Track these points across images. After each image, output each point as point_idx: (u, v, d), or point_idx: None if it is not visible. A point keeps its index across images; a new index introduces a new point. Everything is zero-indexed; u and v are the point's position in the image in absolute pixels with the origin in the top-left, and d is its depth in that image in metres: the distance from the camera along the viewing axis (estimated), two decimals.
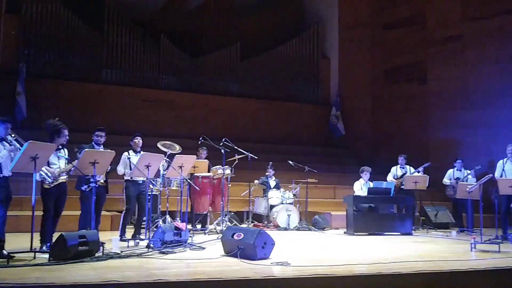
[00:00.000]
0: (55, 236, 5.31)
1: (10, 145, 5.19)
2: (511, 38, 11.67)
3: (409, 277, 4.71)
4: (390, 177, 10.04)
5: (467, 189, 7.48)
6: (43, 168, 5.49)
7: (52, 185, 5.65)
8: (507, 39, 11.74)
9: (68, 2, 12.67)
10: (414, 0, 13.87)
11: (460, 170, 9.79)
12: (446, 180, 9.93)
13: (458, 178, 9.68)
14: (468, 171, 9.65)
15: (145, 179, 6.73)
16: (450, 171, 9.95)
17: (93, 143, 6.50)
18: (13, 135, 5.27)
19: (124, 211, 7.02)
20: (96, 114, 12.02)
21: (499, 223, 8.05)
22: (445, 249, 6.86)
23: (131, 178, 6.90)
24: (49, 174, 5.61)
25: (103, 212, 7.03)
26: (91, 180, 5.66)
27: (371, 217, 8.86)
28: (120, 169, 6.92)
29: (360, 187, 9.37)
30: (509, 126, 11.42)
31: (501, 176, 8.11)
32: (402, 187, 9.70)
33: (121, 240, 6.56)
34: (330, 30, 15.65)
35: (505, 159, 8.25)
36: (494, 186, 7.95)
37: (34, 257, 5.02)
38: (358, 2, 15.25)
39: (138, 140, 7.14)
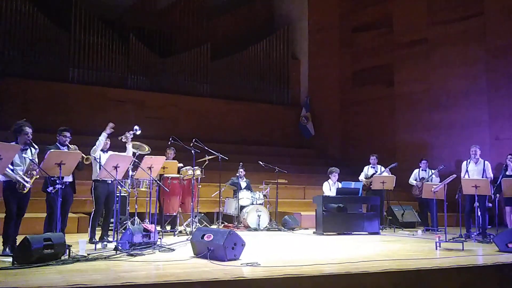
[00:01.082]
0: (19, 239, 5.16)
1: None
2: (475, 42, 12.06)
3: (377, 275, 4.79)
4: (361, 177, 10.19)
5: (432, 189, 7.66)
6: (8, 171, 5.34)
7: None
8: (471, 43, 12.12)
9: None
10: (382, 4, 14.14)
11: (425, 170, 10.03)
12: (412, 180, 10.16)
13: (423, 178, 9.91)
14: (432, 171, 9.90)
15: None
16: (416, 171, 10.18)
17: (57, 143, 6.34)
18: None
19: (92, 213, 6.88)
20: (63, 114, 11.75)
21: (463, 222, 8.29)
22: (411, 247, 7.00)
23: (100, 178, 6.77)
24: (22, 178, 5.46)
25: (70, 214, 6.88)
26: (57, 181, 5.52)
27: (340, 217, 8.97)
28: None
29: (329, 188, 9.47)
30: (473, 127, 11.80)
31: (465, 176, 8.34)
32: (371, 187, 9.86)
33: (91, 242, 6.43)
34: (300, 32, 15.80)
35: (468, 160, 8.49)
36: (459, 186, 8.17)
37: None
38: (328, 5, 15.46)
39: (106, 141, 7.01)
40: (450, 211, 8.90)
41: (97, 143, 6.78)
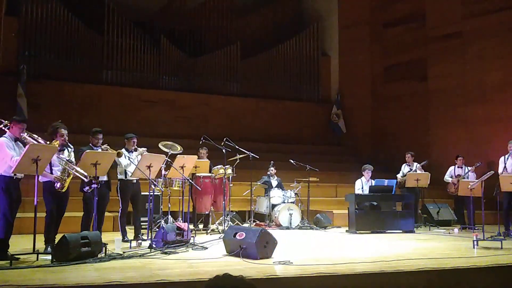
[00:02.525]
0: (58, 237, 5.32)
1: (25, 145, 5.24)
2: (511, 34, 11.66)
3: (412, 274, 4.71)
4: (399, 176, 10.04)
5: (469, 186, 7.47)
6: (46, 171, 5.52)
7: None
8: (507, 35, 11.73)
9: (68, 3, 12.67)
10: None
11: (461, 167, 9.78)
12: (447, 178, 9.92)
13: (459, 175, 9.67)
14: (468, 168, 9.65)
15: (138, 178, 6.75)
16: (451, 168, 9.94)
17: (90, 144, 6.49)
18: (27, 134, 5.32)
19: (120, 212, 7.00)
20: (96, 115, 12.04)
21: (501, 219, 8.05)
22: (447, 246, 6.85)
23: (126, 178, 6.89)
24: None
25: (106, 213, 7.03)
26: (93, 181, 5.66)
27: (373, 215, 8.85)
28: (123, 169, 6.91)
29: (361, 185, 9.36)
30: (510, 121, 11.42)
31: (503, 172, 8.10)
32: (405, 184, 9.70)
33: (124, 241, 6.56)
34: (330, 28, 15.64)
35: (506, 156, 8.24)
36: (496, 183, 7.94)
37: (37, 259, 5.03)
38: (358, 0, 15.25)
39: (134, 141, 7.11)
40: (488, 209, 8.65)
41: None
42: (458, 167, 9.83)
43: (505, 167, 8.17)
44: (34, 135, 5.40)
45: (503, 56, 11.79)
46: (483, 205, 7.48)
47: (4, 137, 5.35)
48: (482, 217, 7.52)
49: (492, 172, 7.46)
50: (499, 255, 5.84)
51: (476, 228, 8.81)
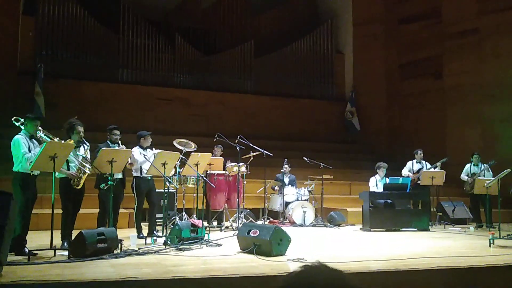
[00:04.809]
0: (74, 233, 5.40)
1: (40, 142, 5.35)
2: None
3: (427, 273, 4.68)
4: (405, 171, 9.96)
5: (485, 184, 7.38)
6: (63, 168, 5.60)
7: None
8: None
9: (84, 2, 12.82)
10: None
11: (477, 165, 9.67)
12: (463, 176, 9.82)
13: (474, 174, 9.56)
14: (484, 166, 9.52)
15: (153, 175, 6.82)
16: (467, 166, 9.83)
17: (108, 141, 6.57)
18: (43, 133, 5.43)
19: (136, 209, 7.07)
20: (112, 113, 12.15)
21: None
22: (463, 245, 6.79)
23: (141, 175, 6.95)
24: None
25: (122, 210, 7.11)
26: (109, 178, 5.74)
27: (387, 213, 8.81)
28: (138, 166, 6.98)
29: (375, 183, 9.31)
30: None
31: None
32: (418, 182, 9.62)
33: (139, 237, 6.63)
34: (344, 26, 15.55)
35: None
36: None
37: (54, 255, 5.12)
38: None
39: (148, 139, 7.17)
40: (504, 207, 8.54)
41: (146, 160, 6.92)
42: (473, 165, 9.71)
43: None
44: (50, 134, 5.49)
45: None
46: (500, 203, 7.39)
47: (20, 134, 5.45)
48: (498, 215, 7.42)
49: (509, 170, 7.36)
50: None
51: (492, 226, 8.71)
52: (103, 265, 4.68)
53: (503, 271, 4.97)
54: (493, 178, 7.55)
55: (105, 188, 5.87)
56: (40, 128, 5.50)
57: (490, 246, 6.46)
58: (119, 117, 11.76)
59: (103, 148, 5.94)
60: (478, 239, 7.44)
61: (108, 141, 6.57)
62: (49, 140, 5.35)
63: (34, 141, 5.47)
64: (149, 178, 7.03)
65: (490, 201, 8.56)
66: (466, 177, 9.71)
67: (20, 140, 5.36)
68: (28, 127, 5.46)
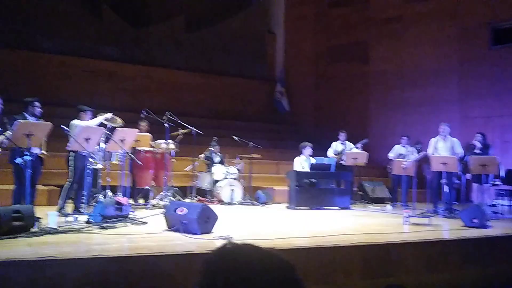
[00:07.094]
0: None
1: None
2: (446, 21, 12.18)
3: (347, 249, 4.90)
4: (330, 152, 10.30)
5: (402, 165, 7.81)
6: None
7: None
8: (443, 22, 12.24)
9: None
10: None
11: (405, 147, 10.19)
12: (390, 155, 10.29)
13: (401, 155, 10.07)
14: (409, 148, 10.06)
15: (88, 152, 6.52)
16: (397, 146, 10.32)
17: (25, 113, 6.15)
18: None
19: (69, 184, 6.72)
20: (29, 84, 11.36)
21: (431, 198, 8.51)
22: (381, 222, 7.17)
23: (78, 150, 6.62)
24: None
25: (40, 187, 6.74)
26: (25, 153, 5.40)
27: (312, 192, 9.10)
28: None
29: (300, 163, 9.52)
30: (445, 105, 12.02)
31: (433, 153, 8.51)
32: (341, 162, 9.99)
33: (60, 212, 6.32)
34: (276, 6, 15.62)
35: (437, 137, 8.62)
36: (428, 163, 8.35)
37: None
38: None
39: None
40: (420, 188, 9.10)
41: (88, 123, 6.59)
42: (402, 146, 10.22)
43: (435, 148, 8.57)
44: None
45: (439, 42, 12.31)
46: (415, 184, 7.87)
47: None
48: (413, 195, 7.91)
49: (425, 152, 7.83)
50: (427, 231, 6.18)
51: (407, 205, 9.27)
52: (19, 244, 4.43)
53: (416, 247, 5.32)
54: (410, 160, 7.98)
55: (22, 163, 5.52)
56: None
57: (404, 223, 6.84)
58: (37, 88, 10.99)
59: (20, 121, 5.56)
60: (394, 217, 7.85)
61: (24, 113, 6.15)
62: None
63: None
64: (85, 154, 6.68)
65: (407, 182, 9.10)
66: (393, 156, 10.13)
67: None
68: None
